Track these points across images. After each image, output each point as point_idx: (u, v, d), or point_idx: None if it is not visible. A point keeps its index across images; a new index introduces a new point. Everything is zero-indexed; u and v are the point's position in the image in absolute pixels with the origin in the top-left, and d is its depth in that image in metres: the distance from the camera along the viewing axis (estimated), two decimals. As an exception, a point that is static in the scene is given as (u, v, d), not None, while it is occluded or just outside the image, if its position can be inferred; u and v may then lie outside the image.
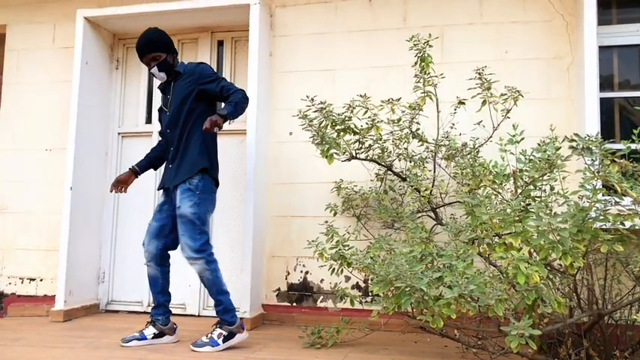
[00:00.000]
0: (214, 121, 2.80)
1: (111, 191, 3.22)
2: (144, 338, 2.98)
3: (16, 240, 4.16)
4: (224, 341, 2.86)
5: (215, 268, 2.91)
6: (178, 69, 3.09)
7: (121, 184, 3.19)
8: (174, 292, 4.00)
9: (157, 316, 3.05)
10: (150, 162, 3.26)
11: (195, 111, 3.02)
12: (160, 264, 3.04)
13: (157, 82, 4.21)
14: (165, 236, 3.03)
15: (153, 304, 3.10)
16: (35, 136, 4.21)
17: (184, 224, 2.90)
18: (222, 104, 3.07)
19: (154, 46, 3.01)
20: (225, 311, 2.91)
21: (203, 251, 2.88)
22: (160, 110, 3.19)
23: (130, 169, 3.23)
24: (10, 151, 4.24)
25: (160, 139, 3.28)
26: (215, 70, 4.20)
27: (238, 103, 2.92)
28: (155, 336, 3.01)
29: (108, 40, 4.26)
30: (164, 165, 3.17)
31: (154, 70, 3.03)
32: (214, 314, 3.77)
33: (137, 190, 4.13)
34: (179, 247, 2.97)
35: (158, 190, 3.23)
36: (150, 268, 3.06)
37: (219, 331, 2.88)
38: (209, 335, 2.88)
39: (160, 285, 3.06)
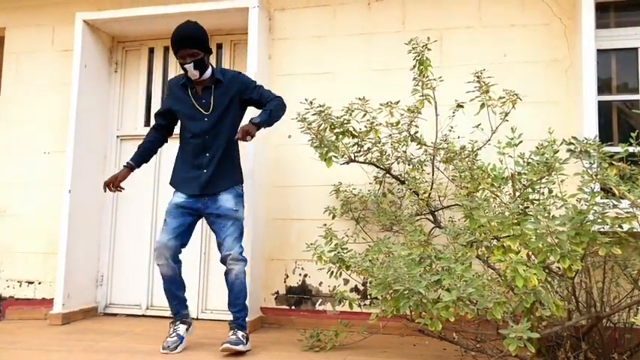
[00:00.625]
0: (246, 130, 2.83)
1: (105, 191, 3.10)
2: (183, 338, 2.96)
3: (14, 243, 4.15)
4: (246, 342, 2.89)
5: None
6: (217, 75, 3.03)
7: (118, 181, 3.06)
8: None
9: (183, 311, 3.05)
10: (144, 157, 3.17)
11: (237, 120, 3.07)
12: (176, 262, 2.98)
13: (155, 86, 4.25)
14: (182, 236, 2.98)
15: (174, 303, 3.02)
16: (34, 139, 4.21)
17: (235, 227, 2.95)
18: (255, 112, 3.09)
19: (195, 42, 2.93)
20: (245, 317, 2.97)
21: (244, 255, 2.96)
22: (190, 112, 3.03)
23: (125, 166, 3.11)
24: (9, 154, 4.23)
25: (155, 131, 3.17)
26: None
27: (274, 110, 2.99)
28: (186, 331, 3.03)
29: (107, 43, 4.26)
30: (185, 168, 3.04)
31: (190, 66, 2.92)
32: (213, 317, 3.81)
33: (135, 193, 4.14)
34: (223, 247, 2.93)
35: (189, 195, 3.00)
36: (165, 267, 2.94)
37: (241, 332, 2.90)
38: (236, 335, 2.87)
39: (178, 282, 3.02)
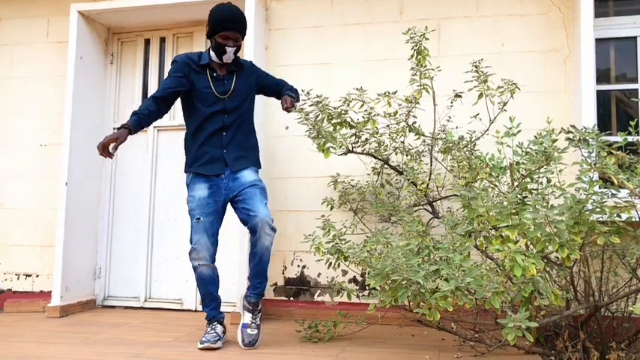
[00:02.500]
0: (291, 100, 3.01)
1: (100, 152, 2.65)
2: (221, 337, 2.86)
3: (11, 236, 4.14)
4: (260, 318, 2.89)
5: None
6: (241, 61, 3.06)
7: (119, 143, 2.65)
8: (171, 287, 4.02)
9: (220, 315, 2.95)
10: (141, 124, 2.81)
11: (252, 106, 3.11)
12: (214, 261, 2.91)
13: (152, 78, 4.22)
14: (216, 234, 2.91)
15: (212, 306, 2.93)
16: (30, 131, 4.18)
17: (264, 195, 2.89)
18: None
19: (244, 27, 2.92)
20: (264, 289, 2.94)
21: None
22: (210, 93, 2.91)
23: (125, 127, 2.71)
24: (5, 146, 4.21)
25: (155, 103, 2.84)
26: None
27: (296, 90, 3.18)
28: (223, 334, 2.92)
29: (102, 35, 4.23)
30: (204, 149, 2.91)
31: (232, 49, 2.87)
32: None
33: (133, 185, 4.14)
34: (258, 213, 2.78)
35: (210, 177, 2.89)
36: (206, 267, 2.85)
37: (259, 313, 2.88)
38: (255, 322, 2.84)
39: (217, 282, 2.94)
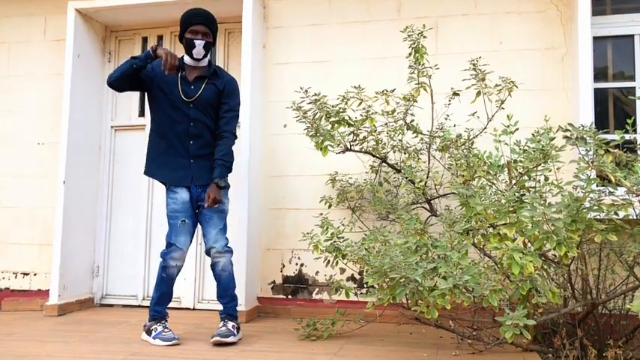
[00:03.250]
0: (213, 198, 2.81)
1: (168, 71, 2.81)
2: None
3: (9, 234, 4.13)
4: (237, 333, 2.88)
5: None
6: (215, 67, 3.02)
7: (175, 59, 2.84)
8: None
9: (164, 311, 3.00)
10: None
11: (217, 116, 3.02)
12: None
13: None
14: (193, 235, 2.98)
15: (166, 305, 3.00)
16: (28, 129, 4.17)
17: (221, 219, 2.94)
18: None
19: (212, 23, 2.97)
20: (236, 306, 2.97)
21: (229, 247, 2.95)
22: (175, 95, 2.92)
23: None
24: (3, 144, 4.20)
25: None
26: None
27: (225, 159, 2.91)
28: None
29: (100, 33, 4.22)
30: (170, 156, 2.94)
31: (201, 42, 2.88)
32: (209, 307, 3.81)
33: (130, 184, 4.13)
34: (208, 240, 2.91)
35: (176, 186, 2.92)
36: (178, 269, 2.92)
37: (231, 322, 2.89)
38: (226, 327, 2.86)
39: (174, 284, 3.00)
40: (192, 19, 2.93)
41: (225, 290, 2.94)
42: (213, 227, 2.91)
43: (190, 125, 2.93)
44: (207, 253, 2.94)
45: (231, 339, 2.81)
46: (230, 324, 2.88)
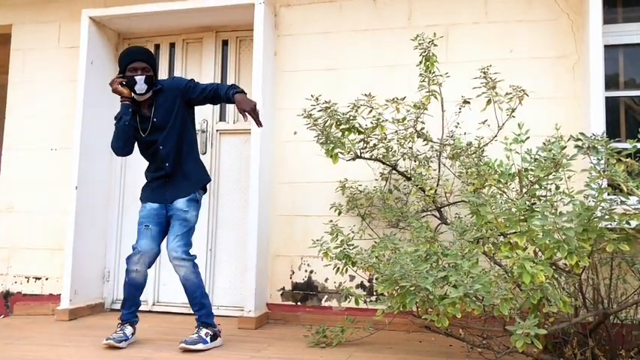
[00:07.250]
0: (252, 107, 2.83)
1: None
2: (128, 338, 2.95)
3: (22, 239, 4.17)
4: (211, 340, 2.87)
5: (199, 272, 2.97)
6: (157, 85, 3.04)
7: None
8: (179, 291, 4.02)
9: (134, 318, 3.03)
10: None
11: (187, 123, 3.06)
12: (149, 267, 3.00)
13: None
14: (160, 242, 3.01)
15: (132, 310, 3.03)
16: (41, 135, 4.22)
17: (184, 227, 2.94)
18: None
19: (150, 58, 3.02)
20: (208, 315, 2.95)
21: (192, 255, 2.95)
22: (142, 131, 3.03)
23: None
24: (17, 150, 4.26)
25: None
26: (220, 69, 4.19)
27: (234, 85, 3.01)
28: (132, 335, 3.00)
29: (113, 40, 4.27)
30: (151, 182, 3.09)
31: (140, 78, 2.92)
32: (220, 314, 3.81)
33: (140, 189, 4.15)
34: (168, 245, 2.93)
35: (149, 203, 3.05)
36: (139, 274, 2.96)
37: (205, 330, 2.89)
38: (197, 334, 2.87)
39: (143, 288, 3.04)
40: (128, 58, 2.97)
41: (192, 298, 2.95)
42: (172, 234, 2.94)
43: (160, 149, 3.00)
44: (170, 260, 2.94)
45: (198, 346, 2.80)
46: (203, 331, 2.88)
